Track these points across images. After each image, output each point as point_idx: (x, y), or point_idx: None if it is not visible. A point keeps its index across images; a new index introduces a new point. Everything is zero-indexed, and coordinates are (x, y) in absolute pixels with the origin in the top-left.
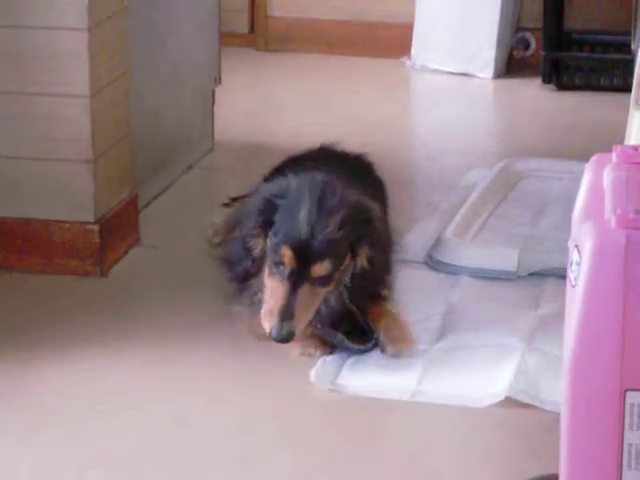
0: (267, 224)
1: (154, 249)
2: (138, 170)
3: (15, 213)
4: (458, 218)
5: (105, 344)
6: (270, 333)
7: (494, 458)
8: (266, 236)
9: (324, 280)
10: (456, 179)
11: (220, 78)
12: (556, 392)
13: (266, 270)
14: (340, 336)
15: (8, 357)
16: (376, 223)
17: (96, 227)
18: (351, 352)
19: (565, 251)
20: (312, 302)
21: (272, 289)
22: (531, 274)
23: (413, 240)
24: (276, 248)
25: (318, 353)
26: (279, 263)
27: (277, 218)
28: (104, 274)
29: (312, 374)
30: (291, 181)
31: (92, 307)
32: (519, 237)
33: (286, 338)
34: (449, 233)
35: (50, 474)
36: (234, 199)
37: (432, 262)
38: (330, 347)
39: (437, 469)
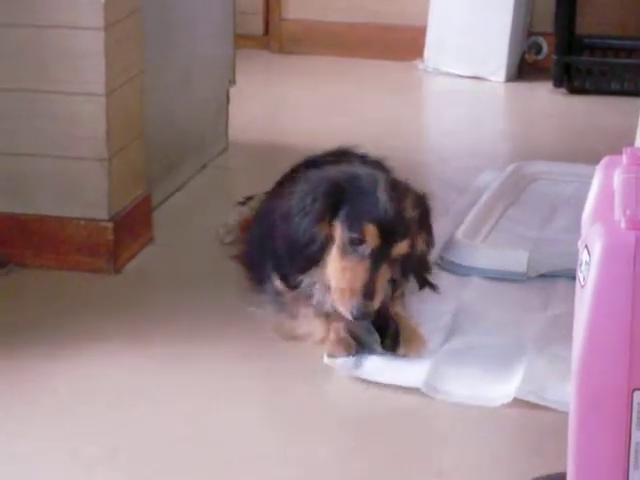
0: (335, 208)
1: (167, 247)
2: (152, 169)
3: (30, 210)
4: (469, 219)
5: (117, 341)
6: (351, 312)
7: (501, 457)
8: (331, 220)
9: (396, 260)
10: (468, 181)
11: (234, 79)
12: (563, 392)
13: (335, 252)
14: (377, 336)
15: (21, 353)
16: (430, 209)
17: (110, 225)
18: (370, 350)
19: (575, 253)
20: (386, 281)
21: (347, 269)
22: (541, 275)
23: None
24: (356, 226)
25: (347, 355)
26: (358, 241)
27: (348, 200)
28: (117, 271)
29: (324, 358)
30: (354, 167)
31: (105, 304)
32: (529, 239)
33: (366, 316)
34: (460, 234)
35: (62, 470)
36: (249, 198)
37: (443, 263)
38: (355, 351)
39: (443, 468)
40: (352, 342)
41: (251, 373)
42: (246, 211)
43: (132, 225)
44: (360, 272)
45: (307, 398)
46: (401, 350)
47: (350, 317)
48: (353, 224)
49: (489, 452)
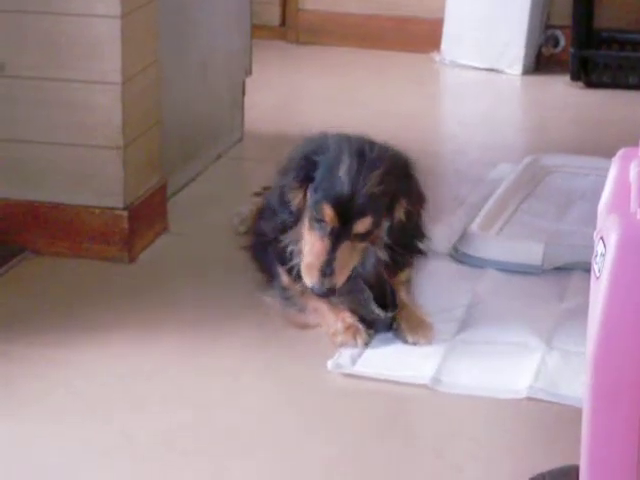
0: (306, 179)
1: (181, 236)
2: (167, 158)
3: (46, 198)
4: (484, 212)
5: (131, 330)
6: (312, 288)
7: (515, 449)
8: (305, 190)
9: (364, 236)
10: (483, 173)
11: (251, 69)
12: (576, 387)
13: (306, 225)
14: (368, 294)
15: (36, 340)
16: (414, 176)
17: (125, 213)
18: (369, 316)
19: (590, 246)
20: (352, 257)
21: (312, 244)
22: (556, 268)
23: (439, 232)
24: (317, 205)
25: (359, 342)
26: (320, 220)
27: (317, 174)
28: (132, 260)
29: (329, 363)
30: (329, 138)
31: (119, 293)
32: (545, 231)
33: (327, 293)
34: (475, 226)
35: (77, 457)
36: (266, 188)
37: (458, 254)
38: (367, 335)
39: (457, 460)
40: (360, 327)
41: (263, 361)
42: (261, 201)
43: (147, 214)
44: (319, 250)
45: (318, 388)
46: (409, 338)
47: (313, 292)
48: (315, 203)
49: (504, 444)
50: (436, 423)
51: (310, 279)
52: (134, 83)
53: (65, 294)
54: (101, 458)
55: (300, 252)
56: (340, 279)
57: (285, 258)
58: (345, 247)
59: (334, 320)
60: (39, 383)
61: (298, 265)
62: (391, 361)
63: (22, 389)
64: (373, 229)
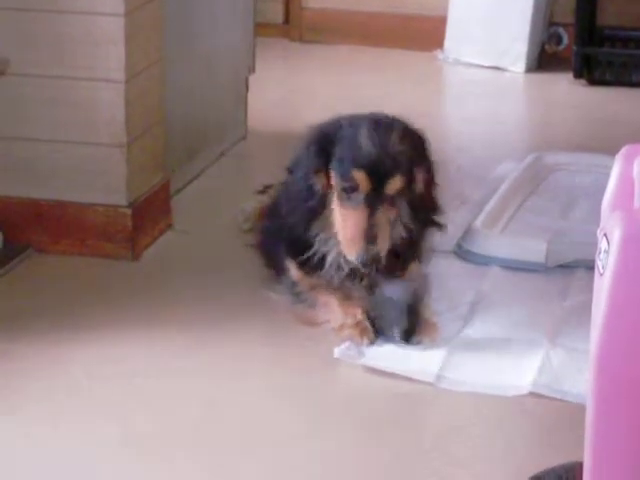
0: (326, 158)
1: (186, 234)
2: (171, 156)
3: (49, 196)
4: (488, 209)
5: (136, 327)
6: (357, 259)
7: (517, 446)
8: (327, 170)
9: (395, 198)
10: (487, 171)
11: (254, 67)
12: (579, 384)
13: (336, 203)
14: (404, 323)
15: (40, 338)
16: (427, 143)
17: (128, 211)
18: (385, 332)
19: (594, 244)
20: (388, 224)
21: (346, 217)
22: (560, 265)
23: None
24: (346, 174)
25: (365, 342)
26: (351, 189)
27: (337, 149)
28: (136, 258)
29: (336, 350)
30: (340, 118)
31: (124, 290)
32: (548, 229)
33: (372, 262)
34: (479, 224)
35: (81, 454)
36: (268, 186)
37: (461, 252)
38: (374, 335)
39: (459, 457)
40: (368, 327)
41: (268, 358)
42: (264, 199)
43: (151, 211)
44: (358, 219)
45: (323, 385)
46: (415, 337)
47: (358, 264)
48: (343, 173)
49: (505, 442)
50: (438, 420)
51: (354, 250)
52: (138, 81)
53: (68, 292)
54: (103, 456)
55: (326, 240)
56: (383, 246)
57: (299, 250)
58: (381, 212)
59: (343, 315)
60: (41, 381)
61: (322, 253)
62: (397, 356)
63: (24, 387)
64: (404, 189)
